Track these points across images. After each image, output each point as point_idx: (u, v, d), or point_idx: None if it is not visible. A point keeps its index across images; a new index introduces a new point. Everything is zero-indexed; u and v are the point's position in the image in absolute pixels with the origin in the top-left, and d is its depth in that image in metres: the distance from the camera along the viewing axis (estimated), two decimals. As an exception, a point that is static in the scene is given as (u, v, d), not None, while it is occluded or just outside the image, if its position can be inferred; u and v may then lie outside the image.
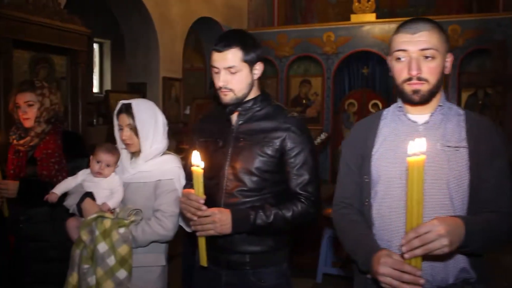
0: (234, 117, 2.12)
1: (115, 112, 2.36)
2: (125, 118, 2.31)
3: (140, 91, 7.50)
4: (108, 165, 2.36)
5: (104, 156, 2.36)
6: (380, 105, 9.07)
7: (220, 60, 1.98)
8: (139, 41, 7.49)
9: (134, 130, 2.30)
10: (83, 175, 2.43)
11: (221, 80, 2.00)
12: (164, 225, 2.24)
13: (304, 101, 9.58)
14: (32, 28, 5.09)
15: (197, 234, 1.93)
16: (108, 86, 11.02)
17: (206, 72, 9.97)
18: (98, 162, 2.36)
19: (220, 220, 1.90)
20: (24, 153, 2.66)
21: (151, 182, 2.32)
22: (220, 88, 2.01)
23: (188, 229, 2.21)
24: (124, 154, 2.41)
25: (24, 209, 2.61)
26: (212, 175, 2.07)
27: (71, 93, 5.75)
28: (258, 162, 2.02)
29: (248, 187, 2.03)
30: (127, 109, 2.31)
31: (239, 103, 2.05)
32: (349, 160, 1.90)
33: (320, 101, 9.49)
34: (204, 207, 1.89)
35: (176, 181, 2.32)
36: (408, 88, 1.68)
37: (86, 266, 2.20)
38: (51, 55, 5.56)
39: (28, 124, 2.63)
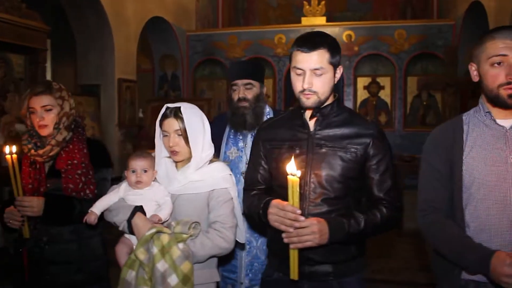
0: (310, 122, 2.03)
1: (159, 117, 2.16)
2: (172, 123, 2.08)
3: (94, 94, 7.10)
4: (145, 171, 2.13)
5: (137, 163, 2.11)
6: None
7: (306, 61, 1.87)
8: (93, 40, 7.07)
9: (184, 136, 2.11)
10: (124, 189, 2.18)
11: (306, 82, 1.88)
12: (226, 238, 2.07)
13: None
14: (-11, 23, 4.64)
15: (292, 246, 1.79)
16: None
17: (155, 73, 9.66)
18: (133, 171, 2.13)
19: (320, 230, 1.80)
20: (41, 164, 2.31)
21: (204, 192, 2.13)
22: (303, 90, 1.91)
23: None
24: (169, 163, 2.18)
25: (46, 228, 2.27)
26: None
27: (30, 95, 5.28)
28: (342, 169, 1.94)
29: (333, 195, 1.94)
30: (175, 114, 2.11)
31: (318, 107, 1.97)
32: (436, 165, 1.90)
33: (272, 103, 9.50)
34: (302, 218, 1.78)
35: (231, 190, 2.17)
36: (504, 92, 1.72)
37: None
38: (9, 54, 5.09)
39: (45, 132, 2.29)
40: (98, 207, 2.11)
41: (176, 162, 2.18)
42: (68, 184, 2.27)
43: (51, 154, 2.29)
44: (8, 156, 2.13)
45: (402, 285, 4.71)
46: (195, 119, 2.12)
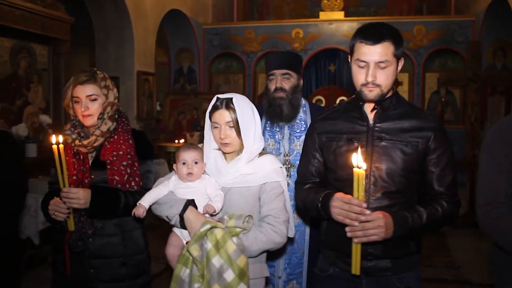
0: (370, 115, 1.98)
1: (209, 109, 2.10)
2: (224, 115, 2.02)
3: (113, 86, 7.05)
4: (196, 162, 2.08)
5: (188, 154, 2.05)
6: (324, 101, 9.24)
7: (371, 54, 1.82)
8: (112, 32, 7.03)
9: (235, 128, 2.05)
10: (174, 182, 2.12)
11: (370, 75, 1.83)
12: (279, 232, 2.01)
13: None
14: (15, 13, 4.59)
15: (356, 240, 1.75)
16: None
17: (171, 66, 9.62)
18: (184, 163, 2.07)
19: (386, 224, 1.76)
20: (85, 155, 2.26)
21: (255, 186, 2.08)
22: (367, 83, 1.85)
23: None
24: (218, 156, 2.12)
25: (90, 221, 2.21)
26: (349, 176, 1.92)
27: (53, 87, 5.25)
28: (403, 162, 1.90)
29: (394, 189, 1.89)
30: (227, 105, 2.05)
31: (379, 100, 1.91)
32: (502, 160, 1.85)
33: (289, 97, 9.43)
34: (368, 211, 1.73)
35: (283, 183, 2.11)
36: None
37: (197, 285, 1.92)
38: (33, 44, 5.05)
39: (89, 122, 2.23)
40: (147, 200, 2.05)
41: (224, 154, 2.13)
42: (114, 176, 2.21)
43: (95, 144, 2.24)
44: (54, 146, 2.08)
45: (427, 282, 4.66)
46: (247, 111, 2.06)
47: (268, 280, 2.17)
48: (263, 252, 2.03)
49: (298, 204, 2.15)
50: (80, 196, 2.11)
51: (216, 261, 1.89)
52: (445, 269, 4.90)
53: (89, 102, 2.22)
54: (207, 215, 2.01)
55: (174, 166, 2.12)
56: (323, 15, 9.27)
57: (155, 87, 7.66)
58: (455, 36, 8.79)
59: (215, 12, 10.08)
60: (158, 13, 7.73)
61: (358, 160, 1.69)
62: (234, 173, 2.05)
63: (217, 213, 2.02)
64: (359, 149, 1.73)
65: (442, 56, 8.97)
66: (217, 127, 2.05)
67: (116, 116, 2.33)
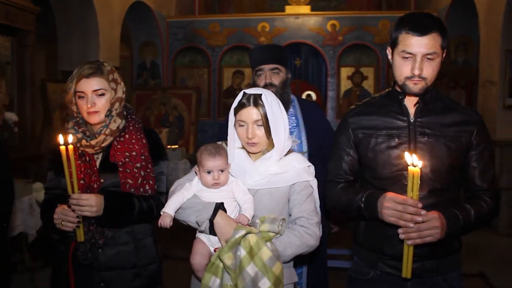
0: (410, 109, 1.89)
1: (235, 105, 1.95)
2: (252, 113, 1.88)
3: (76, 80, 6.67)
4: (221, 170, 1.93)
5: (213, 163, 1.88)
6: (314, 96, 9.18)
7: (419, 46, 1.73)
8: (76, 24, 6.65)
9: (265, 126, 1.91)
10: (198, 184, 1.96)
11: (417, 67, 1.74)
12: (313, 234, 1.89)
13: (237, 93, 9.31)
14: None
15: (410, 242, 1.66)
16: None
17: (133, 61, 9.27)
18: (209, 172, 1.90)
19: (442, 224, 1.69)
20: (91, 157, 2.04)
21: (285, 186, 1.95)
22: (412, 76, 1.76)
23: None
24: (243, 155, 1.97)
25: (101, 230, 2.00)
26: (391, 174, 1.84)
27: (17, 81, 4.89)
28: (448, 158, 1.83)
29: (440, 186, 1.83)
30: (255, 101, 1.91)
31: (423, 94, 1.83)
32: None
33: (254, 92, 9.32)
34: (424, 212, 1.66)
35: (313, 183, 2.00)
36: None
37: None
38: (-5, 36, 4.69)
39: (95, 119, 2.01)
40: (171, 207, 1.88)
41: (249, 154, 1.99)
42: (127, 180, 2.01)
43: (103, 144, 2.04)
44: (62, 147, 1.86)
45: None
46: (275, 106, 1.94)
47: (295, 286, 2.05)
48: (296, 256, 1.92)
49: (330, 204, 2.05)
50: (92, 203, 1.90)
51: (251, 269, 1.76)
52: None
53: (96, 97, 2.01)
54: None
55: (196, 169, 1.97)
56: (289, 9, 9.21)
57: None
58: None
59: (178, 5, 9.80)
60: (123, 5, 7.41)
61: (413, 158, 1.62)
62: (262, 173, 1.92)
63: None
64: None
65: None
66: (243, 126, 1.91)
67: (125, 113, 2.14)
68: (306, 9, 9.14)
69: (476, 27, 7.16)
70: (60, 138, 1.88)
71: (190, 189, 1.93)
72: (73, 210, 1.90)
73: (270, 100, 1.92)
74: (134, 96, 7.71)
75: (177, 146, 7.03)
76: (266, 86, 2.55)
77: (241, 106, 1.91)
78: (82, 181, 1.97)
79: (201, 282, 1.80)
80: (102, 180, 2.01)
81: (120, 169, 2.02)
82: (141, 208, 2.02)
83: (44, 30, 7.00)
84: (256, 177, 1.92)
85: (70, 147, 1.86)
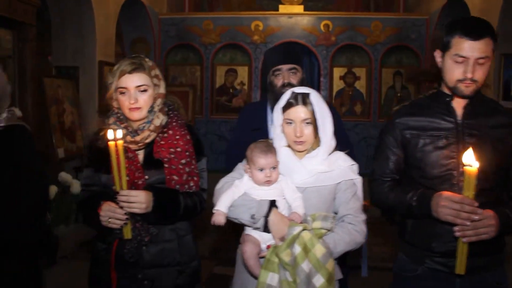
0: (457, 111, 1.95)
1: (283, 104, 1.96)
2: (301, 112, 1.93)
3: (71, 76, 6.57)
4: (273, 168, 1.93)
5: (265, 160, 1.90)
6: (306, 96, 9.20)
7: (473, 50, 1.81)
8: (71, 19, 6.52)
9: (313, 124, 1.93)
10: (248, 182, 1.96)
11: (470, 71, 1.83)
12: (361, 231, 1.94)
13: (231, 90, 9.30)
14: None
15: (466, 240, 1.72)
16: None
17: (124, 57, 9.12)
18: (261, 170, 1.91)
19: (497, 222, 1.76)
20: (134, 153, 2.01)
21: (331, 184, 1.97)
22: (464, 79, 1.82)
23: None
24: (289, 153, 1.99)
25: (147, 227, 1.97)
26: (440, 173, 1.88)
27: (18, 76, 4.77)
28: (496, 159, 1.90)
29: (488, 187, 1.89)
30: (304, 100, 1.93)
31: (473, 96, 1.89)
32: None
33: (247, 90, 9.30)
34: (480, 210, 1.72)
35: (357, 182, 2.02)
36: None
37: None
38: (-3, 29, 4.55)
39: (137, 115, 1.98)
40: (224, 204, 1.89)
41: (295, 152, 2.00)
42: (172, 176, 1.99)
43: (147, 141, 2.01)
44: (111, 143, 1.82)
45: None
46: (322, 105, 1.98)
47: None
48: (344, 253, 1.94)
49: (376, 202, 2.10)
50: (142, 200, 1.87)
51: (306, 265, 1.78)
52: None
53: (138, 93, 1.98)
54: None
55: (246, 167, 1.97)
56: (282, 8, 9.20)
57: (116, 79, 7.22)
58: (409, 33, 9.04)
59: (169, 2, 9.70)
60: (118, 1, 7.29)
61: (469, 158, 1.67)
62: (311, 171, 1.94)
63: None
64: (471, 148, 1.71)
65: (397, 52, 9.20)
66: (290, 124, 1.94)
67: (166, 109, 2.11)
68: (299, 8, 9.16)
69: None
70: (110, 134, 1.84)
71: (240, 187, 1.92)
72: (121, 207, 1.86)
73: (317, 99, 1.96)
74: (129, 93, 7.59)
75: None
76: (284, 86, 2.56)
77: (289, 105, 1.94)
78: (127, 178, 1.94)
79: (257, 280, 1.79)
80: (146, 177, 1.98)
81: (166, 166, 1.99)
82: (187, 204, 2.01)
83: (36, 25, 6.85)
84: (305, 175, 1.94)
85: (120, 142, 1.83)
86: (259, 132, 2.61)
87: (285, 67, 2.61)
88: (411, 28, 9.03)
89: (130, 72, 1.96)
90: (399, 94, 9.19)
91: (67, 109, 6.28)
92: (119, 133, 1.86)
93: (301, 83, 2.64)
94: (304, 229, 1.79)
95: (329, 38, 9.09)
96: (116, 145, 1.82)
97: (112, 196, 1.94)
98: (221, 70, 9.36)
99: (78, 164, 6.08)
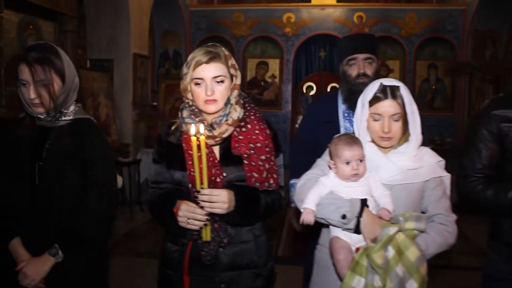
0: None
1: (369, 97, 1.82)
2: (391, 106, 1.77)
3: (106, 69, 6.51)
4: (360, 160, 1.81)
5: (351, 152, 1.78)
6: (339, 89, 9.06)
7: None
8: (106, 10, 6.46)
9: (403, 119, 1.80)
10: (334, 179, 1.83)
11: None
12: (453, 232, 1.80)
13: (262, 83, 9.17)
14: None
15: None
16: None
17: (155, 50, 9.08)
18: (347, 163, 1.79)
19: None
20: (211, 148, 1.86)
21: (420, 182, 1.83)
22: None
23: None
24: (374, 148, 1.86)
25: (225, 228, 1.83)
26: None
27: (59, 68, 4.69)
28: None
29: None
30: (393, 94, 1.79)
31: None
32: None
33: (278, 83, 9.16)
34: None
35: (446, 179, 1.88)
36: None
37: None
38: (39, 20, 4.48)
39: (213, 108, 1.83)
40: (312, 203, 1.76)
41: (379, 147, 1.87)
42: (252, 173, 1.85)
43: (224, 135, 1.88)
44: (193, 138, 1.71)
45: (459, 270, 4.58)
46: (411, 99, 1.83)
47: None
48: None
49: (468, 200, 1.96)
50: (224, 199, 1.74)
51: (400, 269, 1.65)
52: (474, 257, 4.85)
53: (215, 84, 1.85)
54: None
55: (331, 163, 1.84)
56: (315, 0, 9.03)
57: (149, 71, 7.17)
58: (445, 24, 8.80)
59: (199, -6, 9.61)
60: (152, -8, 7.23)
61: None
62: (400, 168, 1.80)
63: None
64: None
65: (431, 44, 8.97)
66: (378, 119, 1.80)
67: (242, 101, 1.98)
68: (332, 0, 8.96)
69: (504, 22, 7.04)
70: (192, 128, 1.72)
71: (325, 184, 1.80)
72: (201, 207, 1.75)
73: (407, 92, 1.82)
74: (162, 86, 7.52)
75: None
76: (359, 77, 2.45)
77: (377, 99, 1.80)
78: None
79: (342, 281, 1.68)
80: (225, 174, 1.86)
81: (246, 162, 1.86)
82: (267, 203, 1.89)
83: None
84: (393, 172, 1.81)
85: (202, 138, 1.71)
86: (330, 125, 2.50)
87: (361, 56, 2.47)
88: (447, 19, 8.79)
89: (207, 62, 1.83)
90: (434, 87, 8.96)
91: (102, 102, 6.24)
92: (202, 128, 1.74)
93: (377, 74, 2.51)
94: (399, 230, 1.66)
95: (362, 30, 8.90)
96: (198, 140, 1.70)
97: (186, 194, 1.83)
98: (252, 63, 9.24)
99: (115, 157, 6.04)
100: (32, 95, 1.90)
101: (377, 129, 1.80)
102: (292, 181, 2.58)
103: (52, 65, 1.93)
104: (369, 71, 2.48)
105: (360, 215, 1.70)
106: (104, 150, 2.08)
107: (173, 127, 1.99)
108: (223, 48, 1.92)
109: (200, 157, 1.72)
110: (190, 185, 1.84)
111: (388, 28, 8.91)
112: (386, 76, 9.17)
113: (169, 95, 7.34)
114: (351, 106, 2.52)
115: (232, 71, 1.90)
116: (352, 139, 1.82)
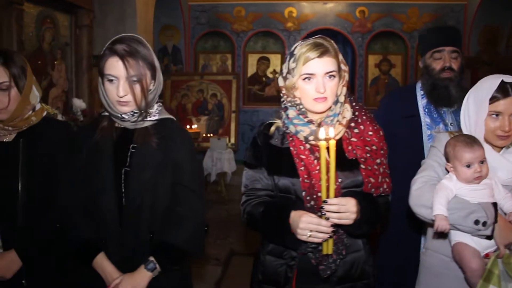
0: None
1: (489, 95, 1.73)
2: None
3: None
4: (482, 162, 1.68)
5: (473, 154, 1.67)
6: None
7: None
8: (111, 6, 6.17)
9: None
10: (456, 183, 1.70)
11: None
12: None
13: (263, 79, 8.99)
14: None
15: None
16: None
17: (153, 45, 8.77)
18: (468, 166, 1.66)
19: None
20: (319, 152, 1.66)
21: None
22: None
23: None
24: (487, 148, 1.75)
25: (342, 239, 1.68)
26: None
27: (75, 65, 4.44)
28: None
29: None
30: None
31: None
32: None
33: (280, 79, 8.99)
34: None
35: None
36: None
37: None
38: (55, 13, 4.20)
39: (323, 107, 1.67)
40: (444, 208, 1.64)
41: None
42: (369, 178, 1.68)
43: (337, 137, 1.70)
44: (322, 143, 1.53)
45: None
46: None
47: None
48: None
49: None
50: (352, 209, 1.58)
51: None
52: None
53: (327, 80, 1.67)
54: None
55: (449, 166, 1.72)
56: (317, -6, 8.88)
57: (155, 68, 6.89)
58: (447, 19, 8.76)
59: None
60: (156, -15, 6.95)
61: None
62: None
63: None
64: None
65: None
66: (496, 117, 1.74)
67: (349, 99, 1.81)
68: (334, -6, 8.84)
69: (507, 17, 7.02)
70: (321, 132, 1.54)
71: (449, 188, 1.67)
72: (327, 218, 1.57)
73: None
74: (168, 82, 7.26)
75: (216, 136, 6.66)
76: (444, 71, 2.35)
77: (496, 96, 1.72)
78: (326, 183, 1.64)
79: None
80: (340, 180, 1.68)
81: (362, 166, 1.69)
82: (383, 210, 1.73)
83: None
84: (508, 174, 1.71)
85: (332, 142, 1.53)
86: (410, 120, 2.39)
87: (447, 49, 2.36)
88: (449, 14, 8.75)
89: (320, 56, 1.65)
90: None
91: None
92: (331, 131, 1.56)
93: (461, 70, 2.39)
94: None
95: (364, 24, 8.80)
96: (328, 145, 1.52)
97: (299, 203, 1.66)
98: (253, 58, 9.03)
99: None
100: (122, 92, 1.70)
101: (494, 127, 1.72)
102: None
103: (144, 59, 1.74)
104: (455, 65, 2.38)
105: (495, 220, 1.59)
106: (193, 153, 1.90)
107: (272, 128, 1.81)
108: (332, 42, 1.74)
109: (328, 164, 1.54)
110: (304, 193, 1.67)
111: (391, 23, 8.82)
112: (388, 71, 9.12)
113: (176, 91, 7.09)
114: (434, 101, 2.42)
115: (343, 66, 1.73)
116: (471, 139, 1.71)
